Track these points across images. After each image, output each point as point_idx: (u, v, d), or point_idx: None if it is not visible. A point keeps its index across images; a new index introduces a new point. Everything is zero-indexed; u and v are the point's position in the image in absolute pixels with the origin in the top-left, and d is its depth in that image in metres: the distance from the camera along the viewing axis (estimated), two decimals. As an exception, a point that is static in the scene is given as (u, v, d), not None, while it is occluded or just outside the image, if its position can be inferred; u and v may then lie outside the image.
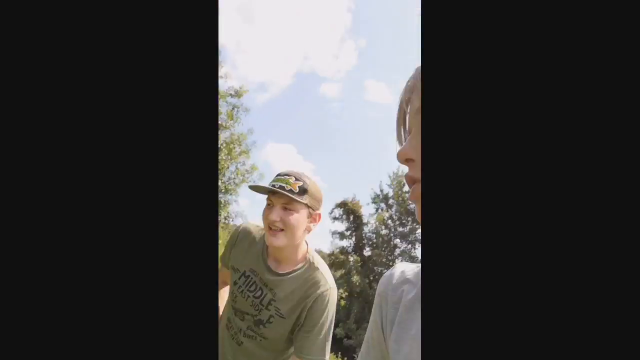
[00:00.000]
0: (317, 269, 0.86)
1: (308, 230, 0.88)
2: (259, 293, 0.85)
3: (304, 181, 0.84)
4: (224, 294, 1.02)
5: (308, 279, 0.84)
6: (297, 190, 0.82)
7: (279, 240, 0.82)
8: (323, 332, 0.80)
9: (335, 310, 0.82)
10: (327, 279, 0.85)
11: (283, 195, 0.81)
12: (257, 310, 0.85)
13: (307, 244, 0.90)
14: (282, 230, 0.83)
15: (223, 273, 0.97)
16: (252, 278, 0.87)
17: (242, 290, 0.88)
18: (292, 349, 0.86)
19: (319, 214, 0.88)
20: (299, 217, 0.83)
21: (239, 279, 0.90)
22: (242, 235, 0.94)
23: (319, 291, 0.82)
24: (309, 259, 0.88)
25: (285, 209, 0.83)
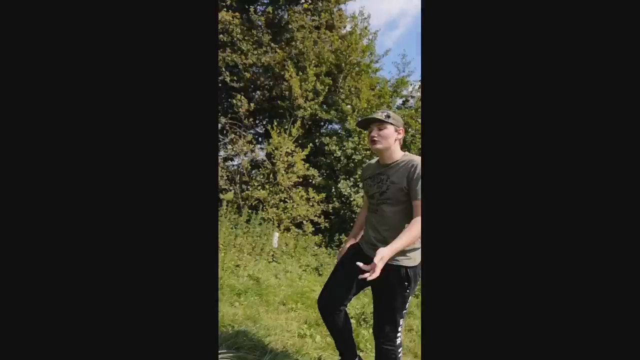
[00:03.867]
0: (413, 159, 1.41)
1: (398, 139, 1.51)
2: (379, 180, 1.51)
3: (387, 112, 1.49)
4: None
5: (406, 163, 1.43)
6: (384, 117, 1.46)
7: (376, 146, 1.48)
8: (419, 185, 1.33)
9: None
10: (419, 161, 1.38)
11: (376, 120, 1.47)
12: (379, 188, 1.48)
13: (400, 148, 1.53)
14: (378, 140, 1.47)
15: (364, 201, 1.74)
16: (372, 177, 1.57)
17: (370, 185, 1.57)
18: (404, 213, 1.41)
19: (402, 129, 1.50)
20: (387, 132, 1.46)
21: (367, 181, 1.62)
22: (365, 166, 1.72)
23: (414, 164, 1.38)
24: (404, 155, 1.50)
25: (379, 129, 1.47)
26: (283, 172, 5.45)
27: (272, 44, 6.95)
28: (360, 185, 5.59)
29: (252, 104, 6.06)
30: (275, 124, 5.95)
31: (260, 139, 7.32)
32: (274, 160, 5.64)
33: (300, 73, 6.47)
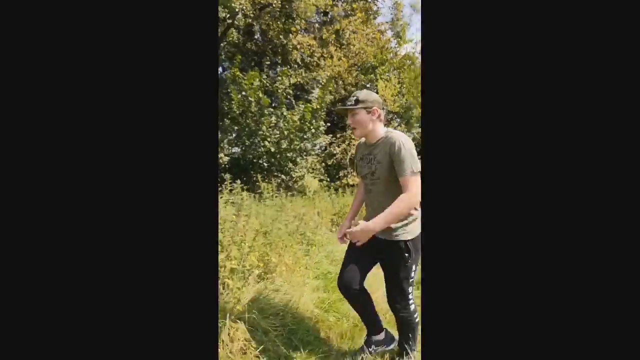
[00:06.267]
0: (392, 136, 1.42)
1: (374, 119, 1.47)
2: (367, 160, 1.53)
3: (357, 96, 1.48)
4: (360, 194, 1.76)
5: (387, 140, 1.43)
6: (353, 102, 1.47)
7: (355, 132, 1.54)
8: (406, 161, 1.34)
9: (413, 150, 1.39)
10: (399, 137, 1.40)
11: (346, 109, 1.49)
12: (369, 168, 1.50)
13: (384, 127, 1.52)
14: (354, 127, 1.50)
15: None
16: (363, 158, 1.57)
17: (361, 165, 1.58)
18: (396, 191, 1.37)
19: (375, 109, 1.47)
20: (360, 117, 1.46)
21: (359, 162, 1.61)
22: (356, 146, 1.69)
23: (394, 140, 1.39)
24: (387, 132, 1.48)
25: (352, 114, 1.48)
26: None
27: (339, 54, 8.29)
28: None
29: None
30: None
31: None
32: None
33: (385, 82, 7.99)
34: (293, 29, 7.51)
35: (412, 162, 1.37)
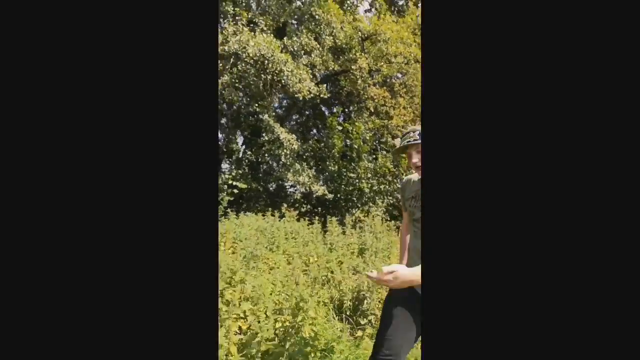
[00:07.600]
0: None
1: None
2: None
3: (418, 129, 1.32)
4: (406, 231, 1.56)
5: None
6: (417, 137, 1.29)
7: (420, 172, 1.32)
8: None
9: None
10: None
11: (413, 144, 1.30)
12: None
13: None
14: (420, 166, 1.29)
15: (404, 216, 1.55)
16: (417, 198, 1.37)
17: (415, 205, 1.39)
18: None
19: None
20: None
21: (411, 201, 1.43)
22: (405, 182, 1.53)
23: None
24: None
25: (418, 152, 1.29)
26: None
27: (404, 103, 9.20)
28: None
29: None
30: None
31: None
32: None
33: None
34: (370, 82, 8.52)
35: None
